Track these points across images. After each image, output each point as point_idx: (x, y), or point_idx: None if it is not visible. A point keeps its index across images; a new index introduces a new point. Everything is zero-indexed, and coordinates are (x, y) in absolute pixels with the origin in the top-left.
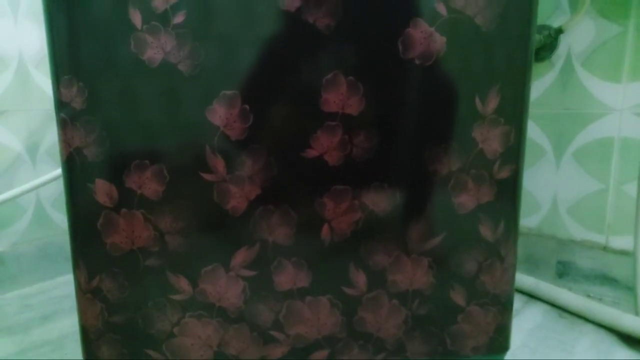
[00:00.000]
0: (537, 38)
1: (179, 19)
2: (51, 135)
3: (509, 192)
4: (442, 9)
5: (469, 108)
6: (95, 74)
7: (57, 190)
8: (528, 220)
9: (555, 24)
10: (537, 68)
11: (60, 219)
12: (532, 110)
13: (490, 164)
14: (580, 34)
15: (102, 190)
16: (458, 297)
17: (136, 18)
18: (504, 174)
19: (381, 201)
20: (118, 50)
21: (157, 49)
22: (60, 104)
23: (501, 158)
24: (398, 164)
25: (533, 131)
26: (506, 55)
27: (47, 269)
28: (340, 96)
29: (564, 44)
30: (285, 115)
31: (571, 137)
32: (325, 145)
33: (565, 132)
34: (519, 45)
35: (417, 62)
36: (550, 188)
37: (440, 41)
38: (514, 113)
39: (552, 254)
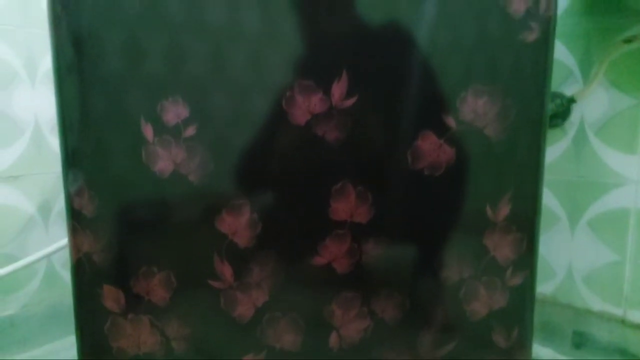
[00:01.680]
0: (549, 105)
1: (189, 132)
2: (64, 198)
3: (522, 298)
4: (451, 122)
5: (480, 216)
6: (106, 185)
7: (68, 251)
8: (543, 287)
9: (568, 91)
10: (549, 134)
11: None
12: (546, 176)
13: (502, 271)
14: (593, 104)
15: (110, 295)
16: None
17: (148, 131)
18: (517, 280)
19: (391, 308)
20: (129, 161)
21: (168, 160)
22: (72, 211)
23: (513, 265)
24: (408, 271)
25: (547, 197)
26: (517, 164)
27: (57, 329)
28: (349, 205)
29: (577, 111)
30: (293, 224)
31: (586, 206)
32: (334, 253)
33: (579, 200)
34: (530, 154)
35: (426, 172)
36: (566, 255)
37: (449, 152)
38: (526, 220)
39: (569, 323)
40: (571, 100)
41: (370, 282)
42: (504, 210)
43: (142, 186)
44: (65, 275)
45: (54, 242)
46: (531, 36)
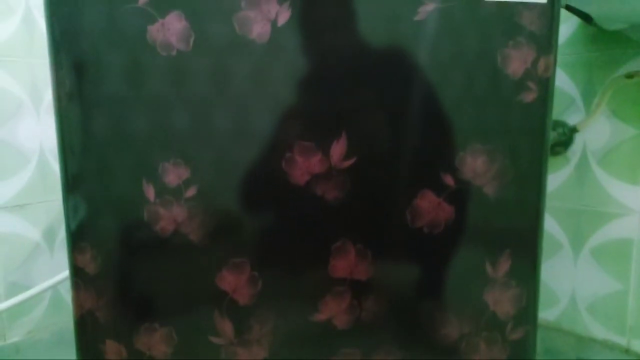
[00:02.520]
0: (551, 134)
1: (190, 192)
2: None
3: (523, 352)
4: (449, 180)
5: (480, 272)
6: (109, 243)
7: None
8: (547, 313)
9: (570, 120)
10: (552, 162)
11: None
12: (548, 202)
13: (502, 326)
14: (596, 133)
15: (112, 350)
16: None
17: (150, 192)
18: (517, 335)
19: None
20: (131, 221)
21: (169, 220)
22: (75, 269)
23: (514, 320)
24: (408, 328)
25: (549, 224)
26: (517, 221)
27: (63, 355)
28: (348, 263)
29: (579, 139)
30: (293, 281)
31: (589, 234)
32: (334, 310)
33: (582, 228)
34: (530, 211)
35: (425, 230)
36: (569, 282)
37: (448, 210)
38: (526, 276)
39: (572, 350)
40: (573, 130)
41: (370, 339)
42: (504, 266)
43: (144, 246)
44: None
45: (60, 268)
46: (529, 97)
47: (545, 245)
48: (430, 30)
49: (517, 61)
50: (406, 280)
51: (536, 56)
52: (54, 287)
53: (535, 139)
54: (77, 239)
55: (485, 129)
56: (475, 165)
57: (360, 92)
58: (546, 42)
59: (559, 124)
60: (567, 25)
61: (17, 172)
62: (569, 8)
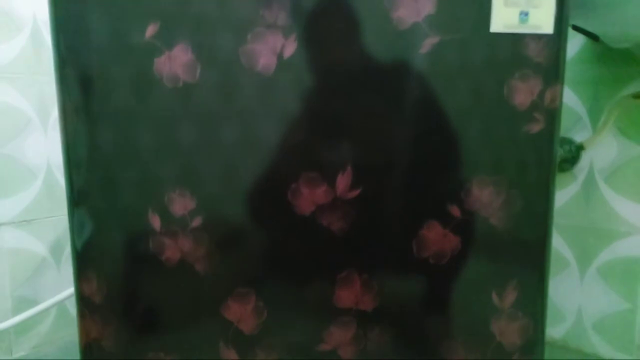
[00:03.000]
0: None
1: (196, 223)
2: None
3: None
4: (456, 211)
5: (486, 303)
6: (114, 273)
7: None
8: (553, 330)
9: (577, 137)
10: (558, 179)
11: None
12: (555, 219)
13: (509, 356)
14: (603, 150)
15: None
16: None
17: (155, 222)
18: None
19: None
20: (137, 250)
21: (175, 250)
22: (81, 298)
23: (520, 350)
24: (414, 358)
25: (556, 241)
26: (523, 252)
27: None
28: (354, 293)
29: (586, 157)
30: (299, 311)
31: (595, 252)
32: (339, 340)
33: (589, 246)
34: (536, 242)
35: (431, 261)
36: (575, 300)
37: (454, 241)
38: (533, 307)
39: None
40: (580, 148)
41: None
42: (511, 297)
43: (150, 275)
44: None
45: (66, 281)
46: (536, 127)
47: (552, 262)
48: (436, 63)
49: (523, 92)
50: (412, 310)
51: (543, 87)
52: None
53: (542, 170)
54: (83, 266)
55: (491, 160)
56: (482, 196)
57: (365, 124)
58: (553, 73)
59: (565, 141)
60: (574, 43)
61: (25, 188)
62: (575, 28)
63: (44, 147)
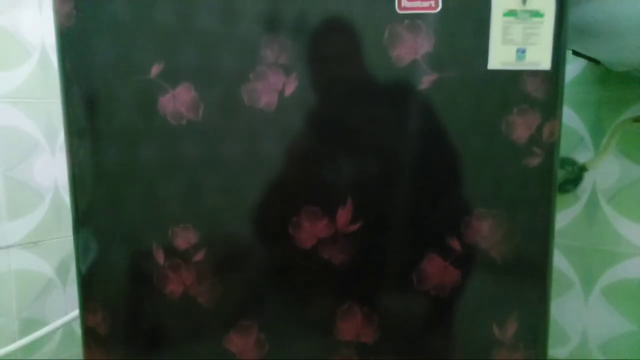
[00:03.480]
0: (560, 172)
1: (199, 256)
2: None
3: None
4: (456, 244)
5: (487, 334)
6: (119, 303)
7: None
8: (557, 351)
9: (579, 158)
10: (561, 199)
11: None
12: (558, 240)
13: None
14: (605, 172)
15: None
16: None
17: (159, 256)
18: None
19: None
20: (142, 283)
21: (178, 283)
22: (86, 329)
23: None
24: None
25: (559, 261)
26: (523, 284)
27: None
28: (355, 325)
29: (589, 177)
30: (300, 344)
31: (599, 273)
32: None
33: (593, 267)
34: (538, 276)
35: (432, 293)
36: (580, 321)
37: (455, 274)
38: (534, 338)
39: None
40: (583, 169)
41: None
42: (511, 328)
43: (153, 309)
44: None
45: (72, 302)
46: (534, 161)
47: (556, 282)
48: (434, 99)
49: (521, 127)
50: (413, 343)
51: (541, 122)
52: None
53: (542, 202)
54: (88, 296)
55: (490, 194)
56: (482, 229)
57: (366, 159)
58: (551, 107)
59: (568, 161)
60: (575, 64)
61: (32, 210)
62: (575, 53)
63: (52, 169)
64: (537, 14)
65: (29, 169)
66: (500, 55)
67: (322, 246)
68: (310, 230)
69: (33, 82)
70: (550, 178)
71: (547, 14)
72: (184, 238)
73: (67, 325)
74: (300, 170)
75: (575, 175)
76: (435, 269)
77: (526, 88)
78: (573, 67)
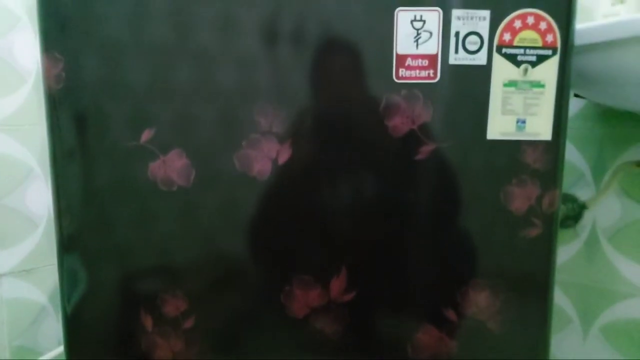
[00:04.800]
0: (561, 208)
1: (188, 324)
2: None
3: None
4: (452, 315)
5: None
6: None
7: None
8: None
9: (579, 193)
10: (561, 235)
11: None
12: (558, 276)
13: None
14: (606, 210)
15: None
16: None
17: (147, 322)
18: None
19: None
20: (129, 349)
21: (166, 350)
22: None
23: None
24: None
25: (558, 297)
26: (522, 356)
27: None
28: None
29: (589, 215)
30: None
31: (598, 312)
32: None
33: (591, 304)
34: (537, 347)
35: None
36: (578, 358)
37: (451, 345)
38: None
39: None
40: (583, 207)
41: None
42: None
43: None
44: None
45: None
46: (534, 232)
47: (554, 318)
48: (431, 169)
49: (520, 198)
50: None
51: (540, 192)
52: (59, 337)
53: (540, 274)
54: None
55: (488, 264)
56: (478, 300)
57: (361, 228)
58: (551, 178)
59: (568, 198)
60: (578, 100)
61: (25, 238)
62: (577, 96)
63: (45, 197)
64: (538, 84)
65: (22, 197)
66: (500, 126)
67: (315, 316)
68: (302, 300)
69: (28, 108)
70: (550, 249)
71: (549, 84)
72: (174, 305)
73: (60, 355)
74: (293, 240)
75: (576, 212)
76: (431, 340)
77: (525, 159)
78: (575, 103)
